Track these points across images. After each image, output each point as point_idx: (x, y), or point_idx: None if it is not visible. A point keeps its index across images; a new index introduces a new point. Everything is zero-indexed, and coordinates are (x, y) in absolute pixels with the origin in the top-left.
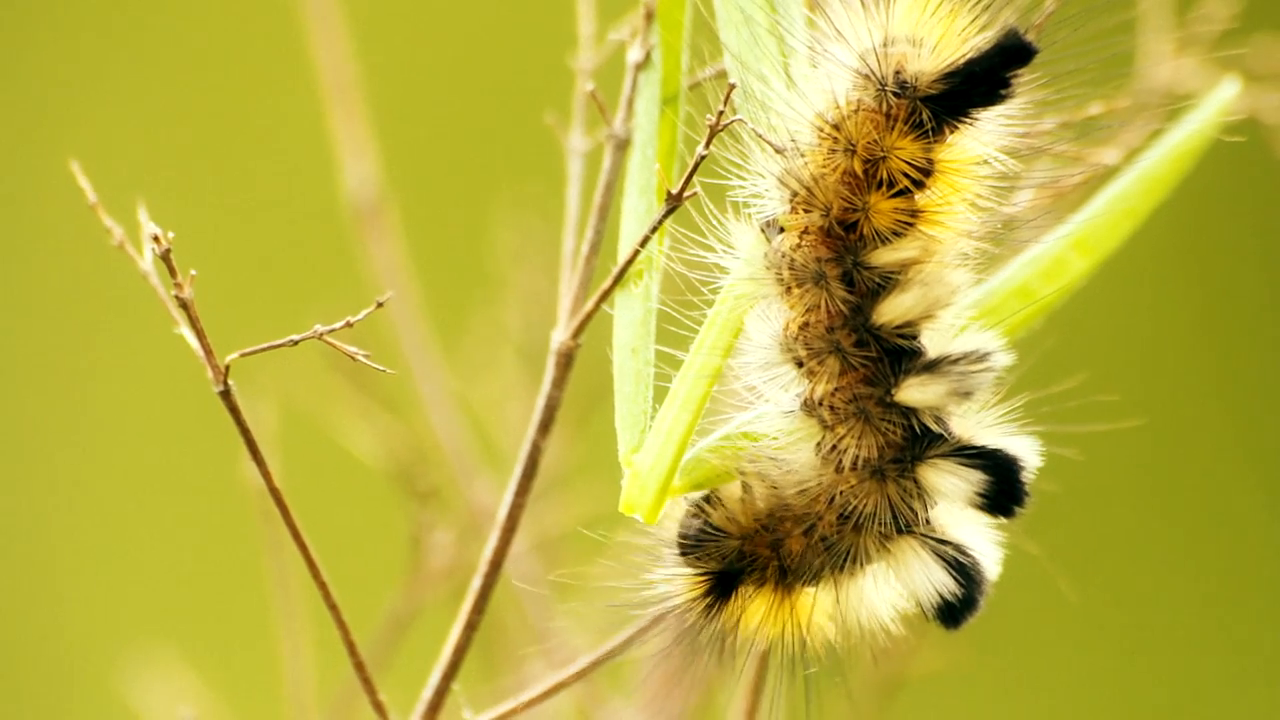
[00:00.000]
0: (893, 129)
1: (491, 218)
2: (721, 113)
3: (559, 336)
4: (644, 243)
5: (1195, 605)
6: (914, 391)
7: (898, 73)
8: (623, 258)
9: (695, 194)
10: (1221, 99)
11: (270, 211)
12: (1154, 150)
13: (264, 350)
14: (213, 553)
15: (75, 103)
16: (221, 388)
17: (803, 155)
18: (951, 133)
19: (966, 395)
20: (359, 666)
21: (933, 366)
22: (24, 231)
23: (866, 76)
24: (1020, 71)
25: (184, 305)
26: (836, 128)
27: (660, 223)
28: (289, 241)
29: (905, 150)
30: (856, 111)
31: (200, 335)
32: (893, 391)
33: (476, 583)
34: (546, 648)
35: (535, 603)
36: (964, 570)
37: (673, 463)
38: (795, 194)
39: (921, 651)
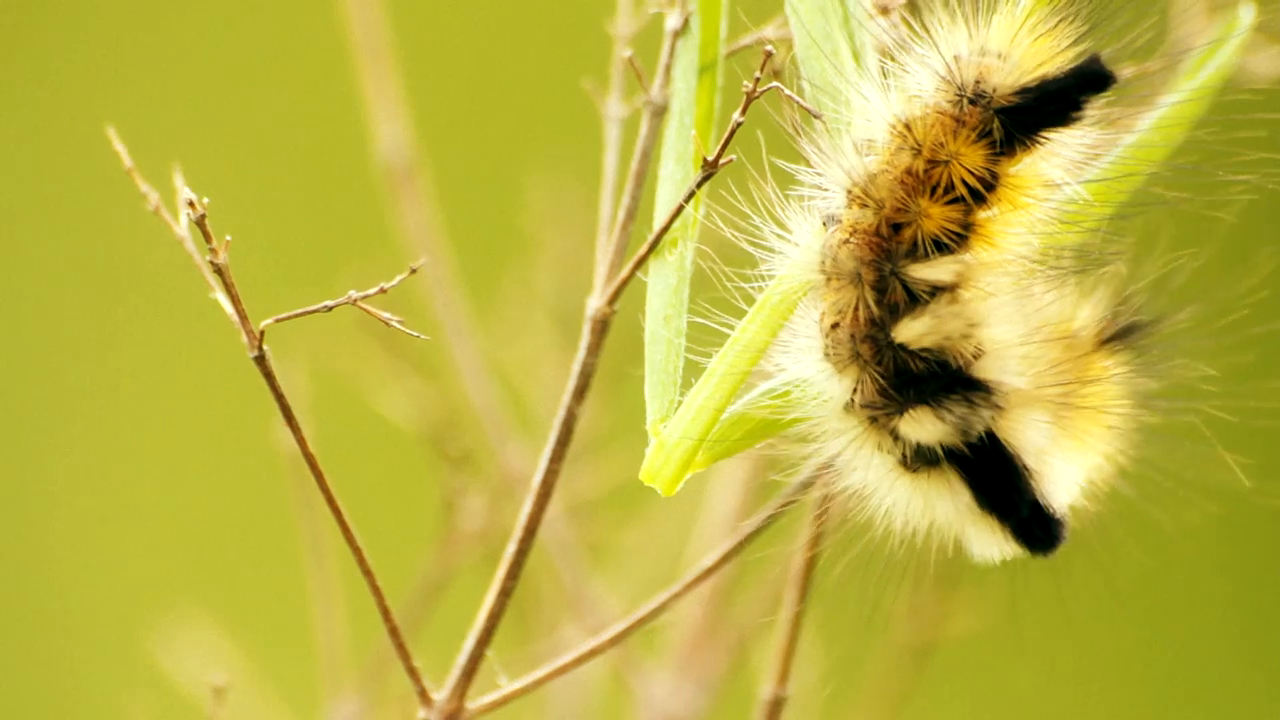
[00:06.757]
0: (961, 136)
1: (525, 182)
2: (759, 79)
3: (594, 303)
4: (679, 210)
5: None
6: (910, 426)
7: (978, 81)
8: (658, 225)
9: (732, 161)
10: (1240, 30)
11: (303, 174)
12: (1170, 95)
13: (298, 316)
14: (246, 518)
15: (108, 69)
16: (256, 353)
17: (872, 151)
18: (1023, 151)
19: (963, 434)
20: (393, 632)
21: (938, 399)
22: (60, 197)
23: (947, 81)
24: (1095, 97)
25: (219, 271)
26: (908, 127)
27: (696, 189)
28: (322, 205)
29: (969, 158)
30: (930, 113)
31: (235, 300)
32: (896, 419)
33: (511, 548)
34: (580, 613)
35: (569, 568)
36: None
37: (699, 440)
38: (854, 187)
39: (956, 613)
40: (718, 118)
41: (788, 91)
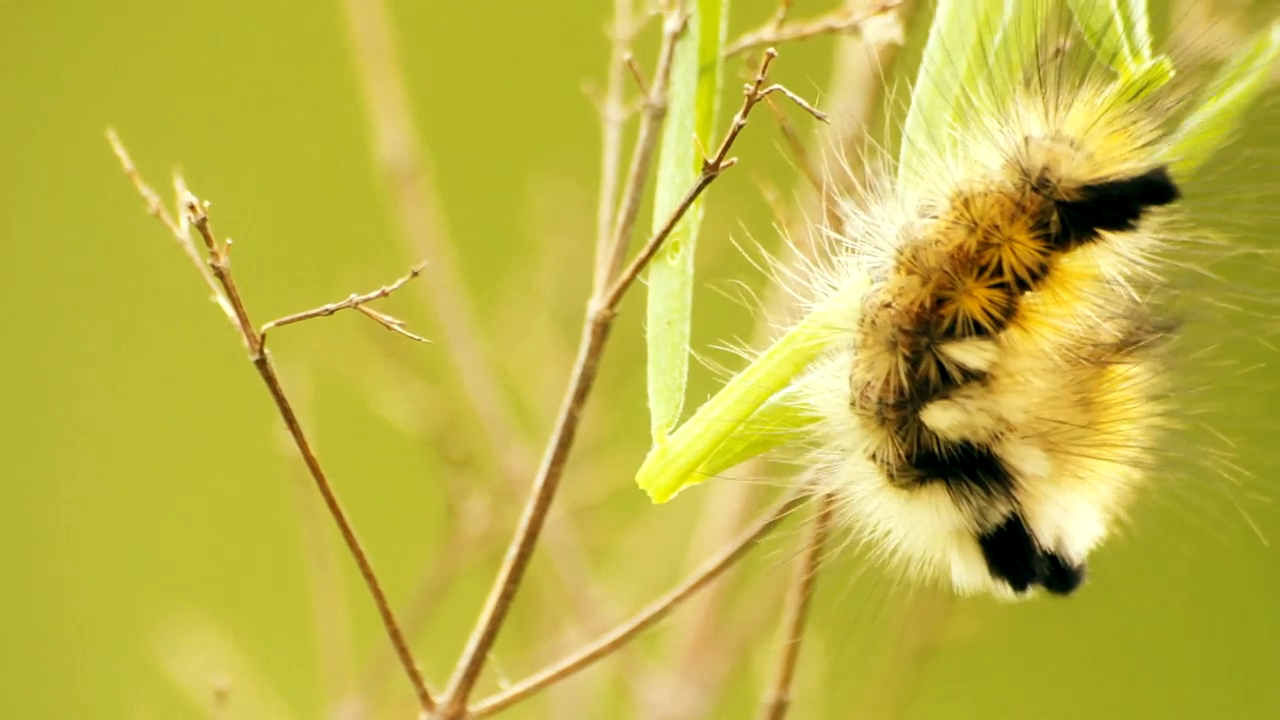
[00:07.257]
0: (1019, 221)
1: (526, 184)
2: (760, 82)
3: (595, 306)
4: (680, 214)
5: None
6: (926, 503)
7: (1045, 168)
8: (658, 228)
9: (732, 164)
10: (1270, 50)
11: (305, 177)
12: (1196, 115)
13: (300, 319)
14: (248, 521)
15: (109, 71)
16: (258, 356)
17: (929, 215)
18: (1076, 245)
19: (979, 524)
20: (395, 634)
21: (958, 481)
22: (61, 200)
23: (1015, 162)
24: (1154, 209)
25: (220, 274)
26: (967, 203)
27: (697, 193)
28: (324, 207)
29: (1022, 245)
30: (992, 192)
31: (236, 304)
32: (915, 485)
33: (513, 551)
34: (582, 616)
35: (571, 571)
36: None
37: (701, 455)
38: (905, 251)
39: (955, 619)
40: (717, 120)
41: (789, 94)
